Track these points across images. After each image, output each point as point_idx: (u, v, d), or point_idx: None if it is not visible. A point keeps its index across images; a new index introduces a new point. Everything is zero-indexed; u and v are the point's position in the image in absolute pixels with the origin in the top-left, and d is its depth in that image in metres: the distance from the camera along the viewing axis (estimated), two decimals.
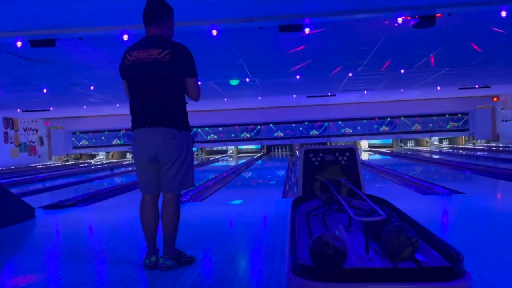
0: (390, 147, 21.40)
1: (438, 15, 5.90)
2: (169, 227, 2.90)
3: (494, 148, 16.07)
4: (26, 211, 5.19)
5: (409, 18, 5.90)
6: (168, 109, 2.84)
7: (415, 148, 20.63)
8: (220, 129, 20.79)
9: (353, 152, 3.54)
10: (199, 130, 20.35)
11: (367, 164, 11.76)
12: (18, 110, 16.17)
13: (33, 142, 20.31)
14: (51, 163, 20.39)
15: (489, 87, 14.95)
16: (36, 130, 20.57)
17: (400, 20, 5.86)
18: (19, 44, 6.01)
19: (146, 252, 2.99)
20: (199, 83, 3.04)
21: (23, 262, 3.44)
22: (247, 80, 10.95)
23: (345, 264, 1.78)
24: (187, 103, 3.03)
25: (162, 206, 2.94)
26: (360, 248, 2.08)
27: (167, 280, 2.73)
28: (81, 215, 5.60)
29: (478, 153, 14.60)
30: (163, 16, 2.89)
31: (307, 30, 5.98)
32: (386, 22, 6.27)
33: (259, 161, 16.52)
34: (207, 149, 21.81)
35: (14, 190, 6.74)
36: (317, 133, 20.68)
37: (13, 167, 17.26)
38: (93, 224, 5.04)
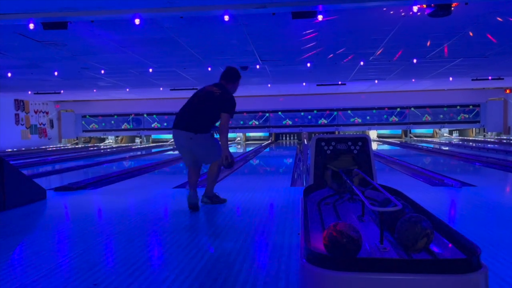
0: (399, 137, 21.26)
1: (454, 4, 5.79)
2: (209, 179, 4.65)
3: (505, 141, 15.90)
4: (38, 193, 5.26)
5: (425, 6, 5.80)
6: (197, 122, 4.35)
7: (423, 139, 20.48)
8: None
9: (365, 141, 3.50)
10: None
11: (376, 154, 11.70)
12: (29, 92, 16.26)
13: (44, 125, 20.47)
14: (61, 145, 20.57)
15: (503, 79, 14.73)
16: (47, 113, 20.72)
17: (415, 8, 5.75)
18: (31, 26, 6.00)
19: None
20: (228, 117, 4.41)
21: (35, 242, 3.49)
22: (257, 67, 10.88)
23: (359, 254, 1.77)
24: None
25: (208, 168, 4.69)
26: (373, 238, 2.07)
27: (177, 265, 2.75)
28: (91, 198, 5.65)
29: (489, 145, 14.46)
30: (232, 79, 4.56)
31: (320, 17, 5.89)
32: (401, 10, 6.17)
33: (267, 149, 16.52)
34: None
35: (25, 172, 6.81)
36: (325, 122, 20.60)
37: (23, 148, 17.44)
38: (102, 207, 5.08)
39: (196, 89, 16.53)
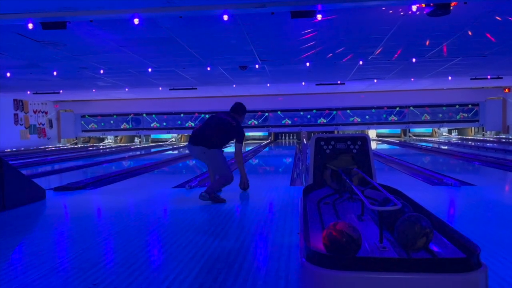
0: (398, 136, 21.27)
1: (453, 3, 5.79)
2: (215, 182, 5.18)
3: (504, 140, 15.92)
4: (38, 193, 5.25)
5: (424, 6, 5.80)
6: (209, 140, 5.14)
7: (422, 138, 20.48)
8: None
9: (365, 141, 3.50)
10: (207, 116, 20.34)
11: (375, 153, 11.70)
12: (28, 92, 16.23)
13: (43, 125, 20.44)
14: (60, 145, 20.54)
15: (502, 78, 14.74)
16: (46, 113, 20.69)
17: (414, 7, 5.75)
18: (30, 26, 5.99)
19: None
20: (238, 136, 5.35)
21: (34, 242, 3.49)
22: (257, 66, 10.88)
23: (359, 253, 1.78)
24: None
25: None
26: (373, 237, 2.07)
27: (177, 265, 2.75)
28: (90, 198, 5.65)
29: (488, 144, 14.47)
30: (240, 112, 5.51)
31: (319, 17, 5.89)
32: (400, 9, 6.17)
33: (266, 149, 16.51)
34: None
35: (24, 172, 6.80)
36: (325, 121, 20.60)
37: (22, 148, 17.42)
38: (102, 207, 5.08)
39: (196, 88, 16.31)
